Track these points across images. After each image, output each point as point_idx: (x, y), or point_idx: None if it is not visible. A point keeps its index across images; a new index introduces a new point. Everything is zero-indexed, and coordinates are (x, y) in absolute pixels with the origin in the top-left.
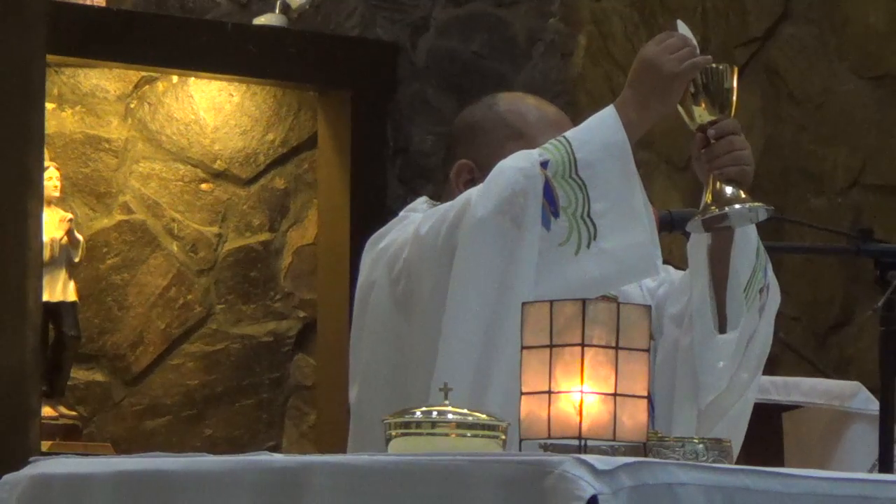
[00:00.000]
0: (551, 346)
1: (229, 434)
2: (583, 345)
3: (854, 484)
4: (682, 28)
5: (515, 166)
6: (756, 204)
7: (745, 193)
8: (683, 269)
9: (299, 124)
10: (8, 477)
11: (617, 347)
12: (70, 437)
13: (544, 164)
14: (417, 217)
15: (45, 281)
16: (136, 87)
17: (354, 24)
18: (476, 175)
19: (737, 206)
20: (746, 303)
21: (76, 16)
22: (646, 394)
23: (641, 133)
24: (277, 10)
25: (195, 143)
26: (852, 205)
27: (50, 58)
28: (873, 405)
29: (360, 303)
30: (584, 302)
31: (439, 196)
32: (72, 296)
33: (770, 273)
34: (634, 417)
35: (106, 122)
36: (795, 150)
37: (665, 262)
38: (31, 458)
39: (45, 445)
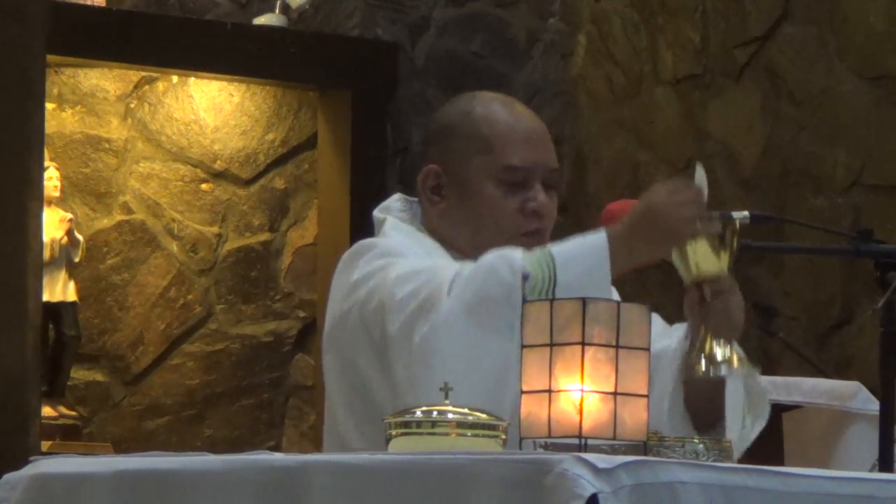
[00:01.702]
0: (551, 345)
1: (229, 434)
2: (583, 343)
3: (854, 484)
4: (700, 175)
5: (496, 274)
6: (744, 367)
7: (735, 355)
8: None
9: (299, 124)
10: (8, 477)
11: (617, 346)
12: (70, 437)
13: (525, 277)
14: (391, 265)
15: (45, 281)
16: (136, 87)
17: (354, 24)
18: (442, 181)
19: (723, 372)
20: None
21: (76, 16)
22: (646, 392)
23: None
24: (277, 10)
25: (195, 143)
26: (852, 205)
27: (50, 58)
28: (873, 405)
29: (334, 330)
30: (584, 301)
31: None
32: (72, 296)
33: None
34: (635, 416)
35: (106, 122)
36: (795, 150)
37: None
38: (31, 458)
39: (45, 445)
